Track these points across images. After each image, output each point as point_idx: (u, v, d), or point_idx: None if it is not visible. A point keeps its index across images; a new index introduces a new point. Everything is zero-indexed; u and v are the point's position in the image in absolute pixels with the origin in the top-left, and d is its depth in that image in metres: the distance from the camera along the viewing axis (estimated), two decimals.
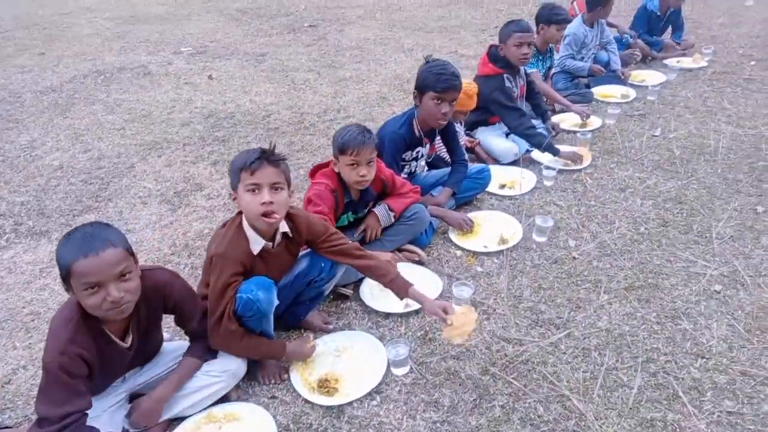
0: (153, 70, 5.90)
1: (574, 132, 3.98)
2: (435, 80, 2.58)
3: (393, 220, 2.53)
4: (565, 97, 4.28)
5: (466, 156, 3.09)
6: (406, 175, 2.86)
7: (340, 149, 2.32)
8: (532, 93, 3.78)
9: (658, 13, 5.32)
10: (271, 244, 1.95)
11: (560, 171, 3.39)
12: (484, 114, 3.55)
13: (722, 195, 3.11)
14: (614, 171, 3.42)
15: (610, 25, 5.23)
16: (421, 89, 2.68)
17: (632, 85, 4.80)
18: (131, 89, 5.32)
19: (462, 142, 3.23)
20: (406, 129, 2.72)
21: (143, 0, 10.02)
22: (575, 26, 4.54)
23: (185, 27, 7.80)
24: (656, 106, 4.38)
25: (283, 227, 1.96)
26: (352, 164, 2.32)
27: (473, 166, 3.07)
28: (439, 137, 3.02)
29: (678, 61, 5.21)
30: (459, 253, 2.72)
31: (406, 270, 2.33)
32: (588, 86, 4.80)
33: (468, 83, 3.15)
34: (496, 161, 3.52)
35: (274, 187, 1.83)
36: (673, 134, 3.87)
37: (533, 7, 7.37)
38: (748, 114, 4.14)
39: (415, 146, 2.82)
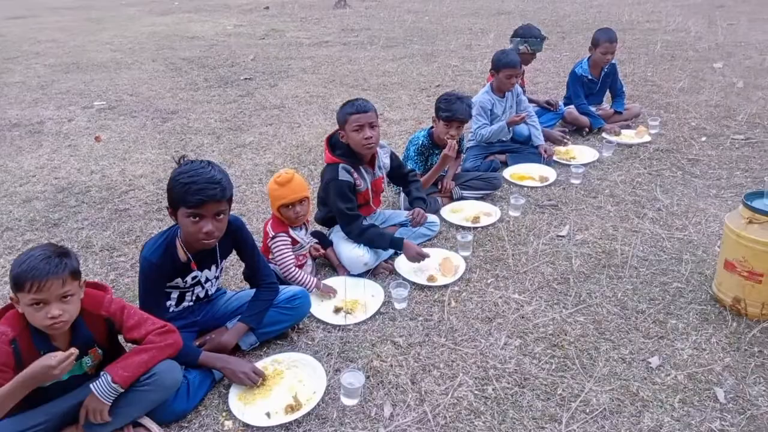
0: (47, 128, 5.36)
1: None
2: (184, 193, 1.92)
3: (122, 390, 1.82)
4: (466, 181, 3.62)
5: (273, 278, 2.38)
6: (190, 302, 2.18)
7: (15, 283, 1.64)
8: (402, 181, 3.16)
9: (590, 77, 4.69)
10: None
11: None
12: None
13: (612, 335, 2.38)
14: (488, 289, 2.71)
15: (530, 101, 4.62)
16: (172, 204, 2.01)
17: (557, 163, 4.12)
18: (3, 152, 4.73)
19: (288, 256, 2.56)
20: (161, 254, 2.04)
21: (97, 46, 9.65)
22: (479, 95, 3.95)
23: (117, 77, 7.33)
24: (576, 193, 3.69)
25: None
26: (36, 304, 1.63)
27: (287, 290, 2.37)
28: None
29: (616, 133, 4.54)
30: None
31: None
32: (506, 163, 4.14)
33: (285, 171, 2.53)
34: (347, 272, 2.83)
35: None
36: (581, 235, 3.17)
37: (487, 63, 6.84)
38: (681, 209, 3.43)
39: (186, 273, 2.13)
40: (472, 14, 11.67)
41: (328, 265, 2.96)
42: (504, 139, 4.19)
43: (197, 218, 1.93)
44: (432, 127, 3.51)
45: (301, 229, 2.66)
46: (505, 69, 3.84)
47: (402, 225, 3.15)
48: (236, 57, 8.43)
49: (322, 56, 8.28)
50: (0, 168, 4.41)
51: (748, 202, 2.34)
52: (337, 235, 2.88)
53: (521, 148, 4.20)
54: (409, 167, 3.35)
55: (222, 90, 6.60)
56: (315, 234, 2.96)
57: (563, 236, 3.17)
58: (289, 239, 2.57)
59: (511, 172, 3.99)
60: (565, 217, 3.40)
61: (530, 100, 4.73)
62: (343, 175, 2.73)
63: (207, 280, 2.22)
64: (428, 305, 2.62)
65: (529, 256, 2.98)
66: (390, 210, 3.27)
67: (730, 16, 9.81)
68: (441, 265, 2.85)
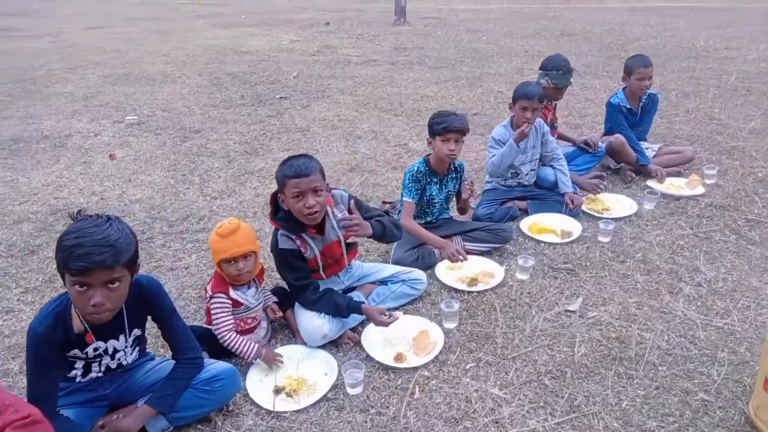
0: (71, 142, 5.37)
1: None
2: (67, 257, 1.62)
3: None
4: (471, 231, 3.18)
5: (200, 354, 2.04)
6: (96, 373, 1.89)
7: None
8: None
9: (628, 106, 4.12)
10: None
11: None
12: None
13: None
14: (464, 378, 2.26)
15: (562, 137, 4.10)
16: (59, 269, 1.72)
17: (586, 215, 3.59)
18: (20, 165, 4.76)
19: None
20: (51, 324, 1.76)
21: (154, 57, 9.87)
22: (496, 129, 3.51)
23: (159, 90, 7.38)
24: (601, 255, 3.16)
25: None
26: None
27: (210, 367, 2.03)
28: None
29: (660, 180, 3.93)
30: None
31: None
32: (526, 211, 3.65)
33: (230, 220, 2.20)
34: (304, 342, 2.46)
35: None
36: (595, 312, 2.65)
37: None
38: (727, 286, 2.83)
39: (84, 345, 1.84)
40: (534, 35, 11.11)
41: (290, 327, 2.60)
42: (526, 183, 3.71)
43: (84, 287, 1.63)
44: (429, 155, 3.13)
45: (248, 287, 2.32)
46: (521, 100, 3.40)
47: (383, 283, 2.75)
48: (280, 74, 8.32)
49: (365, 76, 8.02)
50: (9, 183, 4.38)
51: None
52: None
53: (545, 195, 3.71)
54: (402, 197, 3.04)
55: (253, 109, 6.45)
56: (276, 291, 2.62)
57: (573, 312, 2.67)
58: (228, 301, 2.24)
59: (530, 223, 3.50)
60: (580, 286, 2.88)
61: (565, 138, 4.23)
62: (283, 243, 2.38)
63: (116, 351, 1.92)
64: (387, 393, 2.20)
65: (524, 336, 2.50)
66: (371, 264, 2.87)
67: None
68: (415, 339, 2.43)
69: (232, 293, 2.25)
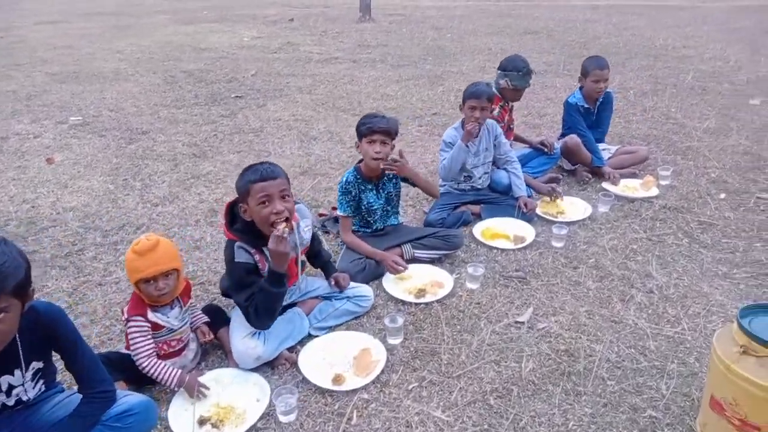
0: (8, 145, 5.07)
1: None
2: None
3: None
4: (421, 238, 3.05)
5: (111, 386, 1.85)
6: None
7: None
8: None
9: (586, 106, 4.06)
10: None
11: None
12: None
13: None
14: (405, 401, 2.13)
15: (518, 139, 4.01)
16: None
17: (541, 219, 3.51)
18: None
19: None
20: None
21: (108, 54, 9.48)
22: (447, 131, 3.41)
23: (109, 89, 7.06)
24: (553, 261, 3.07)
25: None
26: None
27: (123, 400, 1.84)
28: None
29: (614, 182, 3.89)
30: None
31: None
32: (479, 216, 3.54)
33: (147, 236, 2.03)
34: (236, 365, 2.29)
35: None
36: (545, 323, 2.55)
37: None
38: (678, 292, 2.77)
39: None
40: (498, 32, 11.07)
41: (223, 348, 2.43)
42: (479, 186, 3.61)
43: None
44: (360, 161, 2.98)
45: (170, 308, 2.15)
46: (469, 100, 3.29)
47: (325, 298, 2.60)
48: (238, 71, 8.08)
49: (326, 74, 7.84)
50: None
51: (744, 322, 1.70)
52: (237, 314, 2.35)
53: (499, 199, 3.61)
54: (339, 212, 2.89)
55: (207, 108, 6.22)
56: (208, 309, 2.44)
57: (522, 323, 2.56)
58: (147, 324, 2.06)
59: (483, 228, 3.40)
60: (531, 295, 2.79)
61: (521, 140, 4.14)
62: (240, 256, 2.20)
63: (12, 387, 1.72)
64: (323, 419, 2.06)
65: (471, 351, 2.39)
66: (314, 277, 2.72)
67: None
68: (356, 359, 2.29)
69: (151, 315, 2.07)
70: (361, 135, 2.86)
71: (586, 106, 4.08)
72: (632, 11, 13.71)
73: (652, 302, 2.71)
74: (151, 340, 2.07)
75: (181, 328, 2.17)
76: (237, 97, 6.67)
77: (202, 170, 4.43)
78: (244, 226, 2.24)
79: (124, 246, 3.29)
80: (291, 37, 11.06)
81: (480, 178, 3.55)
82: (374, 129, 2.80)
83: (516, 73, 3.68)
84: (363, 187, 2.96)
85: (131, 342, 2.04)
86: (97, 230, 3.48)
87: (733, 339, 1.72)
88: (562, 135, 4.21)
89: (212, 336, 2.32)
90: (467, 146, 3.29)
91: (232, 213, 2.29)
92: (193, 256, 3.17)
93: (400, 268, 2.80)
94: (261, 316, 2.21)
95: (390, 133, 2.85)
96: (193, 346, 2.28)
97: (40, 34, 11.76)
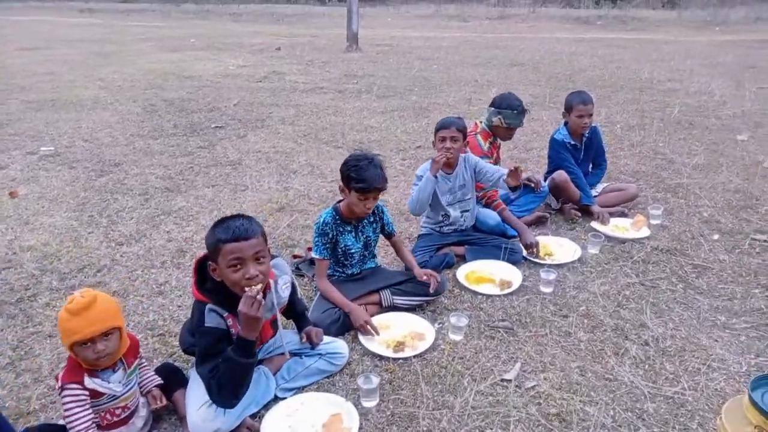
0: None
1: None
2: None
3: None
4: (400, 284, 2.84)
5: None
6: None
7: None
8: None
9: (572, 142, 3.93)
10: None
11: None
12: None
13: None
14: None
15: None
16: None
17: (528, 262, 3.33)
18: None
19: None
20: None
21: (88, 81, 9.33)
22: (421, 166, 3.25)
23: (86, 118, 6.87)
24: (542, 308, 2.88)
25: None
26: None
27: None
28: None
29: (604, 221, 3.73)
30: None
31: None
32: (464, 258, 3.35)
33: (82, 292, 1.80)
34: None
35: None
36: (533, 381, 2.35)
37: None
38: (676, 345, 2.58)
39: None
40: (484, 64, 11.10)
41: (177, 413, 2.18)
42: (462, 227, 3.43)
43: None
44: (340, 201, 2.78)
45: (112, 371, 1.91)
46: (439, 131, 3.15)
47: (294, 354, 2.37)
48: (220, 101, 7.94)
49: (310, 104, 7.72)
50: None
51: (756, 396, 1.50)
52: (196, 376, 2.11)
53: (485, 239, 3.42)
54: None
55: (185, 139, 6.03)
56: (163, 369, 2.20)
57: (509, 381, 2.35)
58: (84, 392, 1.82)
59: (467, 272, 3.21)
60: (519, 348, 2.58)
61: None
62: (212, 320, 1.97)
63: None
64: None
65: (453, 416, 2.16)
66: (284, 331, 2.48)
67: (761, 78, 8.98)
68: (325, 426, 2.06)
69: (89, 382, 1.83)
70: (349, 186, 2.64)
71: (572, 142, 3.95)
72: (617, 44, 13.89)
73: (648, 356, 2.51)
74: (90, 411, 1.83)
75: (125, 393, 1.93)
76: (217, 127, 6.51)
77: (174, 206, 4.21)
78: (215, 286, 2.02)
79: (47, 297, 3.04)
80: (277, 66, 11.00)
81: (461, 217, 3.36)
82: (370, 190, 2.61)
83: (510, 111, 3.54)
84: (341, 229, 2.76)
85: (66, 414, 1.80)
86: (54, 273, 3.24)
87: (744, 417, 1.53)
88: (548, 173, 4.07)
89: (165, 401, 2.08)
90: (436, 177, 3.11)
91: (202, 270, 2.07)
92: (154, 303, 2.94)
93: (371, 331, 2.58)
94: (225, 392, 1.97)
95: (384, 189, 2.69)
96: (143, 412, 2.04)
97: (20, 60, 11.60)
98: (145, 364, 2.13)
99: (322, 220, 2.72)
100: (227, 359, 1.91)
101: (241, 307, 1.86)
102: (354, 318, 2.61)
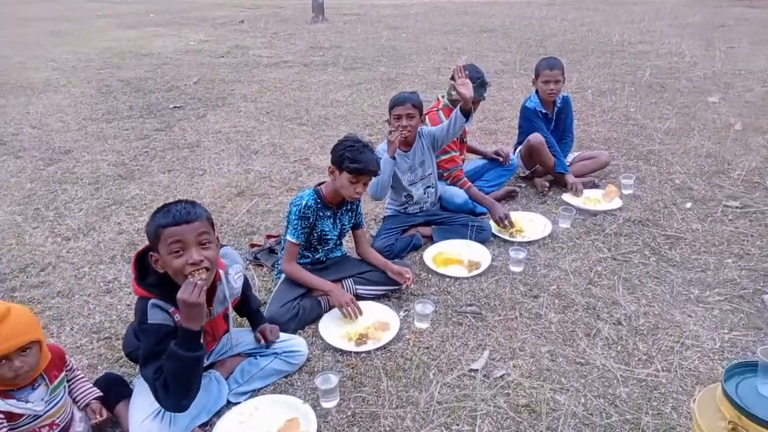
0: None
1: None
2: None
3: None
4: (363, 273, 2.69)
5: None
6: None
7: None
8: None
9: (544, 111, 3.78)
10: None
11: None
12: None
13: None
14: None
15: (471, 150, 3.70)
16: None
17: (497, 239, 3.21)
18: None
19: None
20: None
21: (40, 63, 8.84)
22: (379, 146, 3.04)
23: (35, 103, 6.49)
24: (512, 289, 2.77)
25: None
26: None
27: None
28: None
29: (577, 193, 3.62)
30: None
31: None
32: (431, 238, 3.21)
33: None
34: None
35: None
36: (502, 370, 2.24)
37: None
38: (649, 323, 2.49)
39: None
40: (454, 31, 10.83)
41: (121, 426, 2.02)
42: (427, 206, 3.27)
43: None
44: (321, 184, 2.61)
45: (32, 388, 1.73)
46: (393, 109, 2.96)
47: (249, 355, 2.22)
48: (180, 79, 7.59)
49: (274, 79, 7.43)
50: None
51: (730, 388, 1.40)
52: (141, 385, 1.94)
53: (452, 218, 3.28)
54: (286, 235, 2.56)
55: (141, 121, 5.73)
56: (104, 380, 2.03)
57: (477, 371, 2.23)
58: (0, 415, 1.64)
59: (434, 253, 3.07)
60: (488, 334, 2.47)
61: (474, 151, 3.83)
62: (155, 316, 1.79)
63: None
64: None
65: (418, 412, 2.04)
66: (238, 330, 2.32)
67: (730, 37, 8.90)
68: None
69: (2, 405, 1.65)
70: (342, 167, 2.49)
71: (543, 111, 3.80)
72: (587, 7, 13.69)
73: (621, 336, 2.42)
74: None
75: (50, 410, 1.76)
76: (175, 107, 6.21)
77: (126, 195, 3.98)
78: (158, 280, 1.84)
79: (23, 293, 2.85)
80: (240, 40, 10.59)
81: (425, 194, 3.21)
82: (365, 172, 2.49)
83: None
84: (321, 214, 2.60)
85: None
86: None
87: (718, 410, 1.42)
88: (518, 143, 3.92)
89: (106, 415, 1.92)
90: (394, 159, 2.94)
91: (143, 264, 1.88)
92: (101, 303, 2.75)
93: (352, 313, 2.44)
94: (173, 393, 1.79)
95: (378, 174, 2.62)
96: (79, 428, 1.87)
97: None
98: (81, 375, 1.96)
99: (304, 203, 2.54)
100: (171, 355, 1.74)
101: (180, 294, 1.69)
102: (335, 298, 2.49)
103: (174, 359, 1.74)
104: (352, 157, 2.47)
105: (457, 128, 2.98)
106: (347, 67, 8.07)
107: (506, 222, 3.17)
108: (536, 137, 3.66)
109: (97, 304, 2.75)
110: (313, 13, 12.82)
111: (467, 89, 2.82)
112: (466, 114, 2.91)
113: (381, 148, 2.97)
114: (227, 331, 2.11)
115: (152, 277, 1.85)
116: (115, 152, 4.84)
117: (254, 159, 4.61)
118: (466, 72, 2.89)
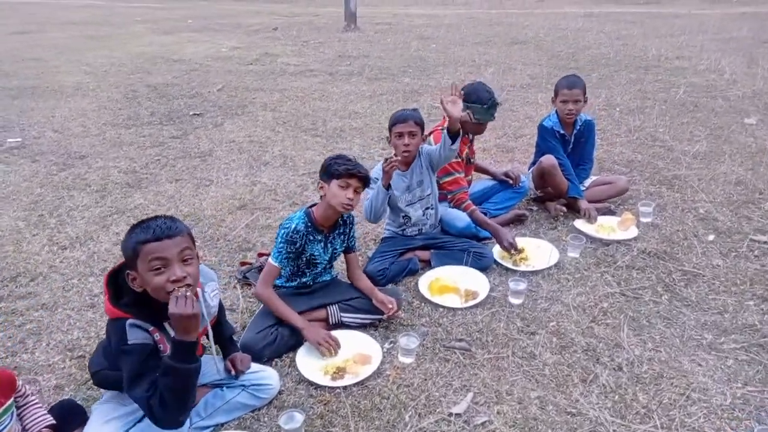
0: None
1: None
2: None
3: None
4: (350, 300, 2.56)
5: None
6: None
7: None
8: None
9: (562, 132, 3.58)
10: None
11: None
12: None
13: None
14: None
15: (480, 170, 3.54)
16: None
17: (499, 267, 3.03)
18: None
19: None
20: None
21: (74, 66, 9.08)
22: (375, 167, 2.91)
23: (63, 106, 6.63)
24: (508, 323, 2.60)
25: None
26: None
27: None
28: None
29: (590, 219, 3.41)
30: None
31: None
32: (429, 263, 3.06)
33: None
34: None
35: None
36: (485, 416, 2.07)
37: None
38: (653, 370, 2.29)
39: None
40: (485, 42, 10.64)
41: None
42: (426, 228, 3.12)
43: None
44: (312, 206, 2.50)
45: None
46: (394, 126, 2.82)
47: (215, 386, 2.11)
48: (205, 86, 7.65)
49: (296, 88, 7.40)
50: None
51: None
52: (97, 414, 1.85)
53: (452, 242, 3.12)
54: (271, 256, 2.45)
55: (159, 128, 5.76)
56: (59, 408, 1.95)
57: (458, 415, 2.07)
58: None
59: (431, 280, 2.92)
60: (475, 373, 2.30)
61: (483, 171, 3.67)
62: (135, 336, 1.71)
63: None
64: None
65: None
66: (206, 357, 2.22)
67: None
68: None
69: None
70: (332, 175, 2.40)
71: (561, 132, 3.60)
72: (626, 19, 13.27)
73: (620, 384, 2.22)
74: None
75: None
76: (195, 114, 6.23)
77: (130, 204, 3.96)
78: (135, 299, 1.76)
79: (7, 304, 2.82)
80: (270, 48, 10.65)
81: (424, 216, 3.06)
82: (353, 173, 2.39)
83: (479, 106, 3.18)
84: (312, 238, 2.49)
85: None
86: None
87: None
88: (533, 163, 3.74)
89: None
90: (388, 188, 2.79)
91: (116, 284, 1.81)
92: (83, 318, 2.69)
93: (330, 349, 2.32)
94: (170, 409, 1.70)
95: (368, 182, 2.49)
96: None
97: (9, 45, 11.35)
98: (35, 401, 1.89)
99: (293, 226, 2.43)
100: (167, 369, 1.67)
101: (172, 308, 1.61)
102: (310, 337, 2.35)
103: (171, 374, 1.67)
104: (339, 162, 2.41)
105: (446, 151, 2.83)
106: (371, 77, 7.98)
107: (513, 250, 3.00)
108: (549, 159, 3.47)
109: (78, 319, 2.69)
110: (346, 22, 12.82)
111: (455, 109, 2.67)
112: (453, 136, 2.74)
113: (377, 170, 2.84)
114: (202, 354, 2.01)
115: (128, 297, 1.77)
116: (128, 159, 4.85)
117: (263, 170, 4.55)
118: (461, 91, 2.73)
